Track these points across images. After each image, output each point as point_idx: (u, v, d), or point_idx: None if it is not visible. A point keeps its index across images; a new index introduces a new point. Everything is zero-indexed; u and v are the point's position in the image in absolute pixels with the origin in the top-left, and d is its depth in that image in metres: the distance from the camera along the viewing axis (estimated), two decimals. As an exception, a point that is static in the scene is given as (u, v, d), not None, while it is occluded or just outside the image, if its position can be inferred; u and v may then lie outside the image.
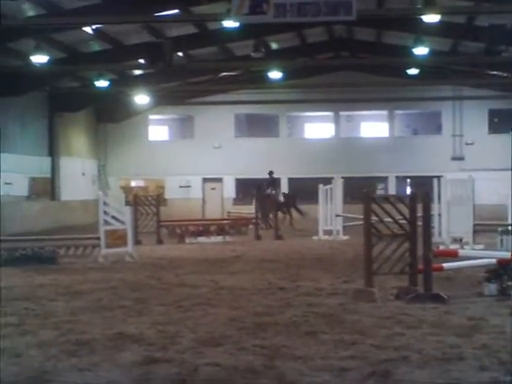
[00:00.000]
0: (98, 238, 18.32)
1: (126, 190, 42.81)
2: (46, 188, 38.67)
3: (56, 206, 37.86)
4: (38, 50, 27.36)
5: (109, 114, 45.06)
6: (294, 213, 32.56)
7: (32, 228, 30.84)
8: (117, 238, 18.50)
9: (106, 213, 18.56)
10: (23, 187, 36.28)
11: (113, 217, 18.67)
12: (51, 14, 26.28)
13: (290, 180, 44.71)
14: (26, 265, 16.88)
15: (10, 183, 34.87)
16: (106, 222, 18.48)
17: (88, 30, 29.78)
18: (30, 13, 26.74)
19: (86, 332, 8.91)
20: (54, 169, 39.63)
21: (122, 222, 18.63)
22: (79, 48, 32.37)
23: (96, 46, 31.92)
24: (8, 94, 33.83)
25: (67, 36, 30.27)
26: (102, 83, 34.49)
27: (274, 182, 32.87)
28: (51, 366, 7.22)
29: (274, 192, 31.80)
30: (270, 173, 33.01)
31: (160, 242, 24.26)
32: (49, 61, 28.13)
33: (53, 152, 39.71)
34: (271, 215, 29.07)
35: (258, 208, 27.77)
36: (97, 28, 29.89)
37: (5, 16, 26.32)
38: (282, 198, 32.11)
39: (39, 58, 27.74)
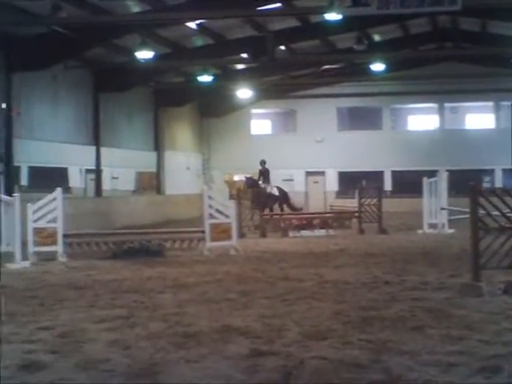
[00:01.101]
0: (203, 232, 18.53)
1: (230, 183, 43.19)
2: (152, 182, 39.34)
3: (161, 200, 38.47)
4: (143, 45, 27.82)
5: (212, 109, 45.51)
6: (286, 209, 29.64)
7: (138, 221, 31.41)
8: (221, 232, 18.67)
9: (210, 206, 18.77)
10: (130, 181, 37.02)
11: (217, 210, 18.86)
12: (156, 9, 26.70)
13: (393, 173, 44.30)
14: (135, 258, 17.23)
15: (117, 178, 35.65)
16: (211, 216, 18.67)
17: (192, 25, 30.13)
18: (135, 9, 27.24)
19: (193, 324, 9.03)
20: (160, 163, 40.28)
21: (227, 216, 18.79)
22: (183, 43, 32.78)
23: (199, 41, 32.25)
24: (115, 90, 34.58)
25: (171, 31, 30.69)
26: (205, 78, 34.85)
27: (265, 173, 29.87)
28: (160, 358, 7.34)
29: (264, 185, 29.15)
30: (262, 162, 30.42)
31: (264, 235, 24.38)
32: (154, 56, 28.56)
33: (158, 146, 40.36)
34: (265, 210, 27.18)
35: (252, 203, 26.48)
36: (200, 23, 30.21)
37: (110, 13, 26.89)
38: (276, 192, 29.46)
39: (144, 54, 28.20)
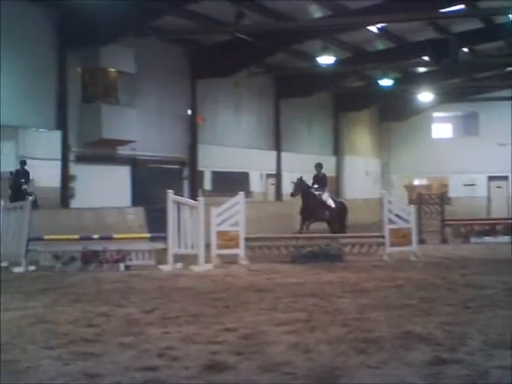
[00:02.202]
0: (383, 237, 18.42)
1: (409, 188, 42.72)
2: (331, 187, 39.45)
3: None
4: (324, 50, 28.01)
5: (392, 113, 45.17)
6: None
7: (317, 226, 31.51)
8: (401, 237, 18.50)
9: (390, 211, 18.63)
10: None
11: (397, 215, 18.70)
12: (337, 14, 26.80)
13: None
14: (314, 262, 17.33)
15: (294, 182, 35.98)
16: (390, 221, 18.53)
17: (373, 29, 30.04)
18: (317, 14, 27.45)
19: (373, 330, 8.98)
20: (339, 168, 40.37)
21: (406, 221, 18.59)
22: (364, 47, 32.77)
23: (380, 45, 32.15)
24: (295, 95, 34.98)
25: (352, 36, 30.75)
26: (385, 82, 34.66)
27: (321, 179, 24.44)
28: (341, 363, 7.36)
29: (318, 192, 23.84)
30: (318, 166, 24.76)
31: (444, 241, 23.94)
32: (335, 61, 28.68)
33: (337, 151, 40.47)
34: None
35: (302, 210, 22.99)
36: (382, 27, 30.08)
37: (293, 18, 27.22)
38: (332, 204, 23.97)
39: (326, 59, 28.39)
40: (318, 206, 23.20)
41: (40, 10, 24.25)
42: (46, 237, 17.72)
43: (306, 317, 9.95)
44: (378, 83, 35.55)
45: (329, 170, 39.28)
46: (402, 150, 46.00)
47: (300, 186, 23.49)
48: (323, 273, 15.50)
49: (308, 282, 14.07)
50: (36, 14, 24.18)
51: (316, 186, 23.71)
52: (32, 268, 16.97)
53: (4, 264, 17.50)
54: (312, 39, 28.61)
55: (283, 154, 35.69)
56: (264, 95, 35.11)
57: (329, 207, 23.57)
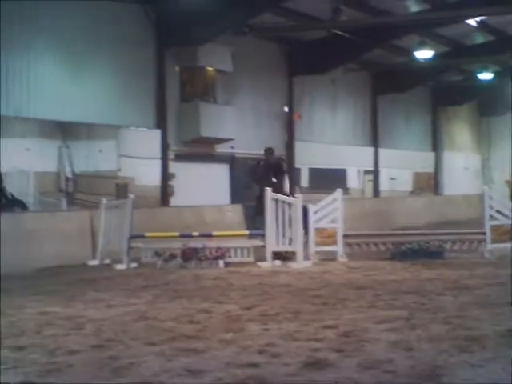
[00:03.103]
0: (484, 233, 18.10)
1: (510, 184, 41.82)
2: (429, 183, 39.02)
3: (439, 201, 37.95)
4: (422, 45, 27.71)
5: (492, 107, 44.33)
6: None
7: (416, 222, 31.22)
8: (502, 233, 18.13)
9: (491, 207, 18.29)
10: (407, 182, 36.95)
11: (498, 211, 18.34)
12: (435, 8, 26.46)
13: None
14: (413, 259, 17.15)
15: (394, 178, 35.74)
16: (492, 217, 18.19)
17: (472, 22, 29.55)
18: (415, 9, 27.16)
19: (475, 328, 8.86)
20: (438, 163, 39.86)
21: (508, 217, 18.21)
22: (462, 41, 32.27)
23: (480, 38, 31.58)
24: (392, 91, 34.71)
25: (451, 30, 30.34)
26: (485, 75, 34.07)
27: (276, 167, 20.43)
28: (443, 361, 7.28)
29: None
30: (267, 150, 20.85)
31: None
32: (433, 55, 28.32)
33: (436, 147, 39.96)
34: None
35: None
36: (481, 20, 29.56)
37: (390, 13, 27.01)
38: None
39: (423, 54, 28.09)
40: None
41: (139, 11, 24.66)
42: (146, 234, 18.05)
43: (406, 314, 9.87)
44: (477, 77, 34.95)
45: (427, 165, 38.88)
46: (502, 144, 44.99)
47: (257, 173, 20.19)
48: (423, 270, 15.33)
49: (407, 279, 13.95)
50: (135, 15, 24.61)
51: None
52: (134, 265, 17.29)
53: (106, 261, 17.89)
54: (409, 34, 28.33)
55: (380, 151, 35.44)
56: (360, 91, 34.94)
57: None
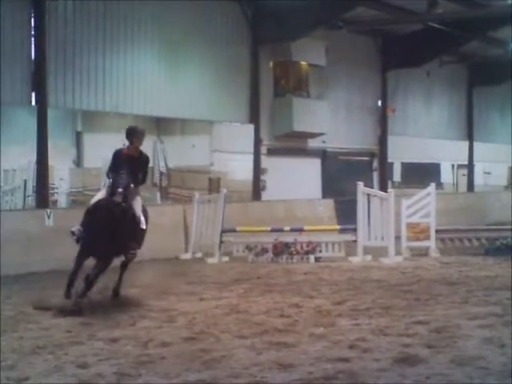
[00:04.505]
0: None
1: None
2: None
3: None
4: (519, 37, 27.13)
5: None
6: None
7: (510, 218, 30.62)
8: None
9: None
10: (502, 176, 36.25)
11: None
12: (532, -1, 25.86)
13: None
14: (507, 255, 16.83)
15: (488, 173, 35.13)
16: None
17: None
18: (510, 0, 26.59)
19: None
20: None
21: None
22: None
23: None
24: (488, 83, 34.08)
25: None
26: None
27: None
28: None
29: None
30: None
31: None
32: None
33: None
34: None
35: None
36: None
37: (486, 5, 26.53)
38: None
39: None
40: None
41: (234, 8, 24.78)
42: (238, 228, 18.19)
43: (500, 311, 9.73)
44: None
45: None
46: None
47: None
48: (517, 266, 15.04)
49: (501, 275, 13.70)
50: (231, 12, 24.75)
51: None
52: (225, 259, 17.46)
53: (199, 255, 18.11)
54: (506, 25, 27.78)
55: (475, 144, 34.85)
56: (456, 84, 34.43)
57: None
